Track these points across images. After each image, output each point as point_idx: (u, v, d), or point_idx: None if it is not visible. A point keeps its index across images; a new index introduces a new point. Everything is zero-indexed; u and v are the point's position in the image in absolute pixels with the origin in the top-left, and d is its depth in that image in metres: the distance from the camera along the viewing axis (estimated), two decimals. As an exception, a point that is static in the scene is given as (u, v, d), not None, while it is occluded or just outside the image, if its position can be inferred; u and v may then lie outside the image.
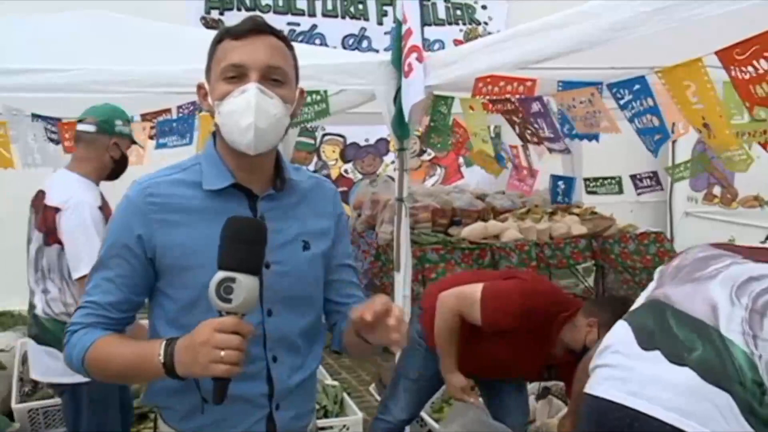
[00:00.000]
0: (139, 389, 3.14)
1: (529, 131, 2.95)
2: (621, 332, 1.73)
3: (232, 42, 1.25)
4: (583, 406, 1.74)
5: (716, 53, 1.80)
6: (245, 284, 1.10)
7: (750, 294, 1.63)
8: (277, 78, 1.26)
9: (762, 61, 1.68)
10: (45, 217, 2.42)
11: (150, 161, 3.83)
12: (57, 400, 3.34)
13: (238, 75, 1.24)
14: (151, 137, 3.48)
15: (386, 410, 2.69)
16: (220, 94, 1.25)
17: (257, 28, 1.26)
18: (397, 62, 2.97)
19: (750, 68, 1.72)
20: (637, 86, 2.19)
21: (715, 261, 1.77)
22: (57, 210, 2.35)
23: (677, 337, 1.62)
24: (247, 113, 1.22)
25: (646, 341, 1.65)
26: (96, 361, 1.26)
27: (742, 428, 1.50)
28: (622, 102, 2.25)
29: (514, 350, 2.35)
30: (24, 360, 3.68)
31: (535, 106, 2.69)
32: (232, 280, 1.10)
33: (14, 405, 3.30)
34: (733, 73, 1.78)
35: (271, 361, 1.32)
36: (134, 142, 2.70)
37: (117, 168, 2.53)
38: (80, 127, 2.55)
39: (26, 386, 3.47)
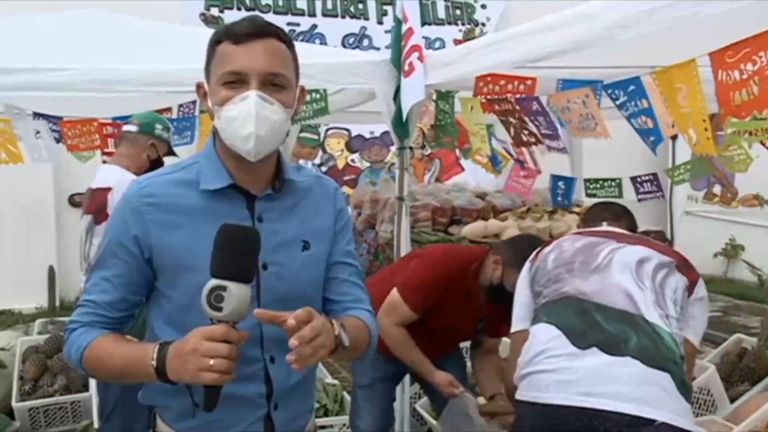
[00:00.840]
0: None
1: (525, 131, 2.93)
2: (551, 335, 1.73)
3: (231, 46, 1.23)
4: (527, 415, 1.72)
5: (709, 55, 1.79)
6: (236, 293, 1.09)
7: (648, 276, 1.76)
8: (277, 83, 1.24)
9: (749, 64, 1.67)
10: (94, 198, 2.63)
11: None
12: (57, 399, 3.36)
13: (237, 81, 1.22)
14: None
15: (355, 429, 2.68)
16: (220, 99, 1.24)
17: (257, 32, 1.23)
18: (397, 61, 2.96)
19: (736, 72, 1.70)
20: (632, 87, 2.18)
21: (599, 247, 1.86)
22: (108, 189, 2.57)
23: (609, 331, 1.67)
24: (248, 122, 1.21)
25: (579, 340, 1.68)
26: (92, 360, 1.26)
27: (681, 402, 1.60)
28: (618, 102, 2.25)
29: (451, 316, 2.46)
30: (24, 359, 3.69)
31: (534, 105, 2.68)
32: (223, 288, 1.09)
33: (14, 404, 3.30)
34: (720, 77, 1.76)
35: (268, 362, 1.32)
36: (171, 150, 2.93)
37: (152, 168, 2.63)
38: (125, 127, 2.91)
39: (26, 385, 3.47)
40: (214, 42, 1.27)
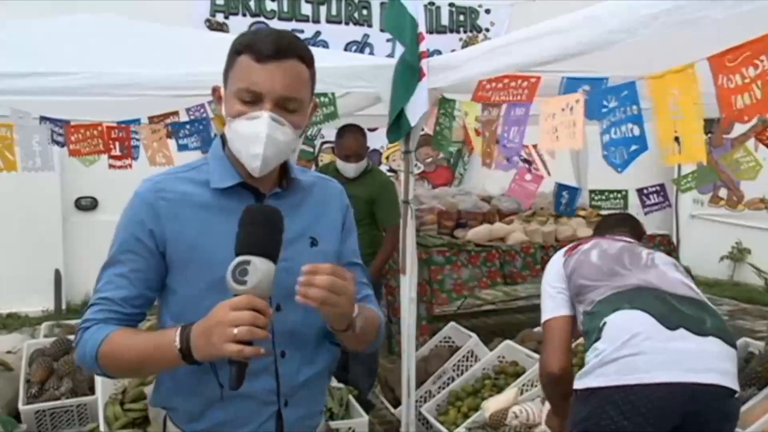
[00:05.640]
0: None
1: (489, 149, 2.88)
2: (640, 320, 1.85)
3: (252, 63, 1.24)
4: (619, 399, 1.79)
5: (708, 59, 1.78)
6: (260, 267, 1.12)
7: (684, 274, 2.05)
8: (291, 106, 1.27)
9: (750, 68, 1.65)
10: None
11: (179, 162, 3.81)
12: (63, 402, 3.36)
13: (253, 99, 1.25)
14: (169, 136, 3.48)
15: None
16: (233, 111, 1.27)
17: (279, 52, 1.23)
18: (416, 61, 2.89)
19: (737, 77, 1.68)
20: (625, 92, 2.14)
21: (637, 249, 2.11)
22: None
23: (688, 314, 1.86)
24: (257, 143, 1.24)
25: (667, 322, 1.84)
26: (110, 354, 1.26)
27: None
28: (605, 110, 2.21)
29: None
30: (30, 361, 3.70)
31: (519, 111, 2.62)
32: (247, 262, 1.12)
33: (21, 406, 3.31)
34: (719, 81, 1.74)
35: (279, 357, 1.33)
36: None
37: None
38: None
39: (33, 388, 3.47)
40: (236, 51, 1.27)
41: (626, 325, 1.85)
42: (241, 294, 1.12)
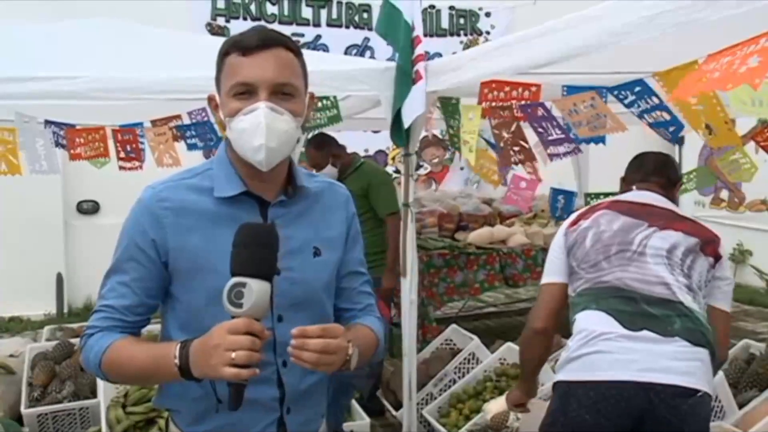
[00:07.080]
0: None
1: (516, 148, 2.90)
2: (602, 320, 1.92)
3: (239, 57, 1.24)
4: (581, 394, 1.88)
5: (708, 56, 1.79)
6: (255, 289, 1.11)
7: (678, 264, 2.00)
8: (286, 92, 1.26)
9: (726, 58, 1.65)
10: None
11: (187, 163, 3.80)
12: (66, 405, 3.37)
13: (247, 92, 1.24)
14: (175, 139, 3.49)
15: None
16: (230, 111, 1.26)
17: (265, 42, 1.24)
18: (407, 66, 2.92)
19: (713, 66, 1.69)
20: (638, 88, 2.18)
21: (633, 233, 2.05)
22: None
23: (656, 315, 1.89)
24: (258, 134, 1.22)
25: (630, 324, 1.89)
26: (112, 363, 1.27)
27: (711, 373, 1.89)
28: (626, 102, 2.24)
29: None
30: (33, 365, 3.71)
31: (540, 110, 2.66)
32: (243, 284, 1.11)
33: (24, 410, 3.32)
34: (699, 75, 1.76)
35: (281, 366, 1.33)
36: None
37: None
38: None
39: (35, 391, 3.49)
40: (223, 53, 1.28)
41: (589, 326, 1.93)
42: (237, 316, 1.12)
